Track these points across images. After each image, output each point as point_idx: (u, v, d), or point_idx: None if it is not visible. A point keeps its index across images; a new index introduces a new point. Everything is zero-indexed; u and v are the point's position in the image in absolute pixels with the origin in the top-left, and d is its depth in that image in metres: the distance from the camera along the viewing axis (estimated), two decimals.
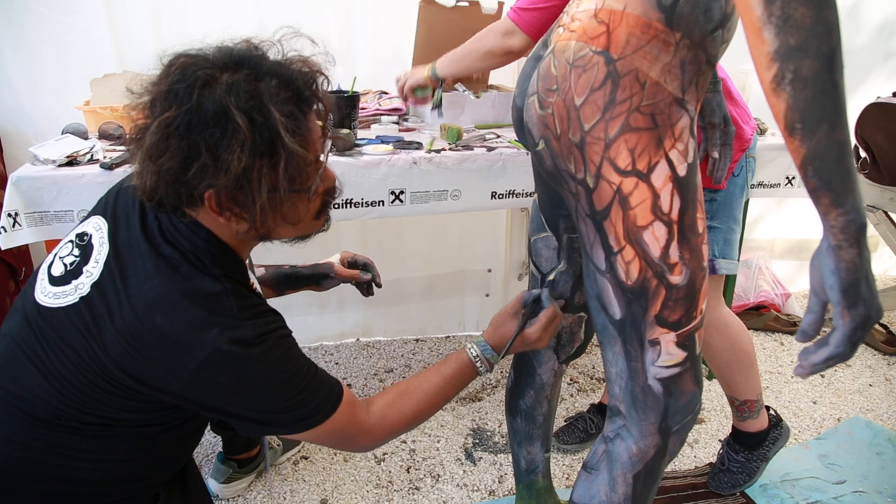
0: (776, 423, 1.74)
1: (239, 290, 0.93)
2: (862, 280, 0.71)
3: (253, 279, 1.08)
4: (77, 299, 0.92)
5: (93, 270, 0.94)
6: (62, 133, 1.71)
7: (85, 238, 0.98)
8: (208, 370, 0.88)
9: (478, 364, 1.17)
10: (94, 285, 0.92)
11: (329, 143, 1.00)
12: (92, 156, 1.58)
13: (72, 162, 1.55)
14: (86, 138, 1.72)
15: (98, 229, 0.98)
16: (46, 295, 0.95)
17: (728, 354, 1.65)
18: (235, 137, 0.84)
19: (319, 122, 0.96)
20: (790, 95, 0.69)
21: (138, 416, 0.95)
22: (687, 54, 0.89)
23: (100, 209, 1.02)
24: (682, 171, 0.92)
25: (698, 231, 0.96)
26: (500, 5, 2.04)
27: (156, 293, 0.89)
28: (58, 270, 0.97)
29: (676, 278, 0.95)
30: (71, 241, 1.00)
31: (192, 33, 2.09)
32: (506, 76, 2.28)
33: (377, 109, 2.09)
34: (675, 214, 0.93)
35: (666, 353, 1.01)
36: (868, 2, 2.68)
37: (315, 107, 0.94)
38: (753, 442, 1.72)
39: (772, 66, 0.69)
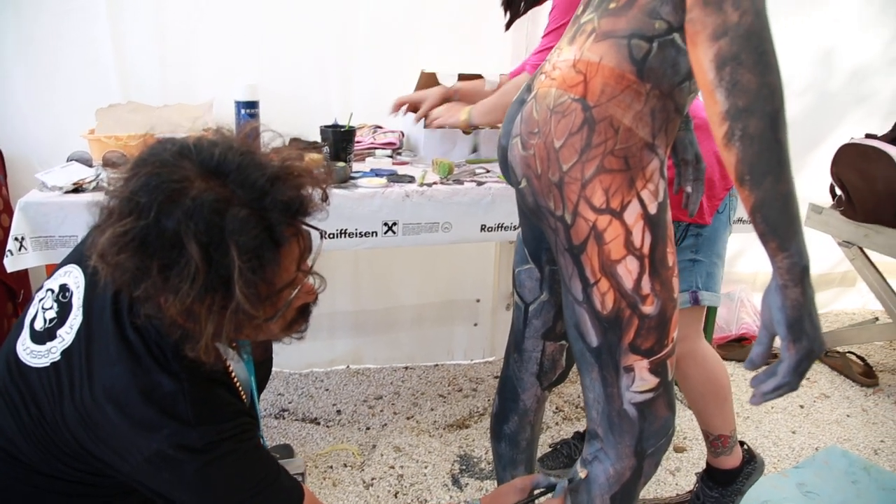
0: (749, 459, 1.77)
1: (199, 392, 0.90)
2: (806, 317, 0.79)
3: (232, 366, 1.04)
4: (48, 363, 0.92)
5: (66, 336, 0.93)
6: (67, 160, 1.77)
7: (67, 295, 0.96)
8: (152, 466, 0.88)
9: None
10: (64, 352, 0.92)
11: (315, 255, 0.93)
12: (97, 183, 1.65)
13: (78, 189, 1.62)
14: (90, 166, 1.79)
15: (77, 286, 0.96)
16: (25, 350, 0.95)
17: (704, 386, 1.71)
18: (187, 269, 0.77)
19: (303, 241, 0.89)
20: (739, 150, 0.77)
21: (99, 480, 0.96)
22: (657, 103, 0.97)
23: (80, 255, 0.99)
24: (652, 209, 1.00)
25: (668, 265, 1.03)
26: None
27: (113, 383, 0.88)
28: (39, 324, 0.96)
29: (648, 308, 1.03)
30: (52, 291, 0.99)
31: (196, 67, 2.19)
32: None
33: (372, 143, 2.18)
34: (646, 249, 1.00)
35: (640, 379, 1.07)
36: (841, 49, 2.81)
37: (295, 235, 0.87)
38: (726, 479, 1.75)
39: (723, 123, 0.78)
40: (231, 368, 1.03)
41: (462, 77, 2.11)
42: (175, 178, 0.79)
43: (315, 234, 0.92)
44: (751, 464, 1.78)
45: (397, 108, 2.07)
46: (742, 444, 1.78)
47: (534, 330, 1.34)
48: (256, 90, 2.04)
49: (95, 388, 0.88)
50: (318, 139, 1.90)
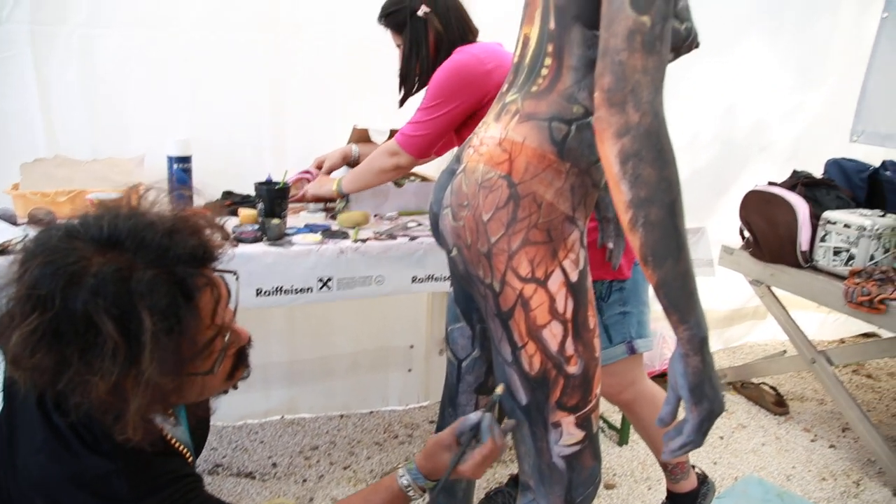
0: (703, 479, 1.93)
1: (134, 466, 0.87)
2: (706, 381, 0.88)
3: (169, 432, 1.02)
4: None
5: None
6: None
7: None
8: None
9: (410, 493, 1.12)
10: None
11: (235, 298, 0.92)
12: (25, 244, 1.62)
13: (3, 251, 1.58)
14: (15, 223, 1.75)
15: None
16: None
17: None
18: (106, 346, 0.75)
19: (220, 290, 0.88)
20: (642, 235, 0.87)
21: None
22: (576, 180, 1.06)
23: None
24: (574, 277, 1.08)
25: (590, 327, 1.11)
26: None
27: (40, 474, 0.84)
28: None
29: (573, 369, 1.10)
30: None
31: (127, 120, 2.17)
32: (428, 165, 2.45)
33: (303, 194, 2.20)
34: (569, 314, 1.08)
35: (567, 434, 1.14)
36: (744, 103, 3.05)
37: (207, 284, 0.85)
38: (688, 501, 1.89)
39: (628, 211, 0.87)
40: (168, 434, 1.01)
41: (356, 130, 2.21)
42: (70, 260, 0.77)
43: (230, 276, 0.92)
44: (705, 484, 1.92)
45: (316, 167, 2.19)
46: (693, 466, 1.92)
47: (467, 385, 1.39)
48: (189, 145, 2.05)
49: (21, 479, 0.85)
50: (253, 194, 1.93)
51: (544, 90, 1.06)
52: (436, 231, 1.22)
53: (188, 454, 1.06)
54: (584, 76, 1.03)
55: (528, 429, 1.16)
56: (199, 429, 1.29)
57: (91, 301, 0.75)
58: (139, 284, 0.77)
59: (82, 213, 0.84)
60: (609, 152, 0.88)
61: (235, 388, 1.03)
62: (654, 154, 0.86)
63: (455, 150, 1.29)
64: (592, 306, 1.12)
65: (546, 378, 1.10)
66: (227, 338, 0.90)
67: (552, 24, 1.05)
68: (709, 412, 0.90)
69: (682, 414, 0.94)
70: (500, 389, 1.14)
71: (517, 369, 1.12)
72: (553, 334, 1.08)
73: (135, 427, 0.81)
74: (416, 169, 2.42)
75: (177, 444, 1.03)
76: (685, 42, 1.07)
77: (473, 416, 1.13)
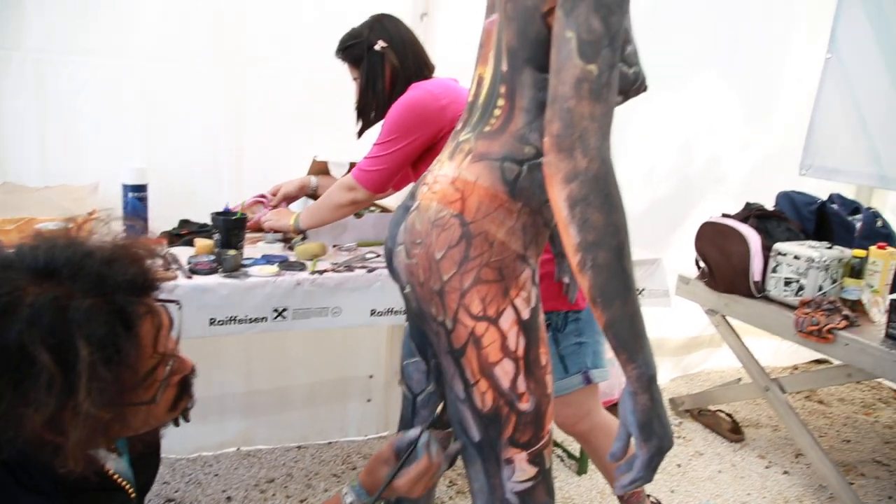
0: None
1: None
2: (655, 419, 0.90)
3: (111, 467, 0.99)
4: None
5: None
6: None
7: None
8: None
9: None
10: None
11: (178, 327, 0.91)
12: None
13: None
14: None
15: None
16: None
17: None
18: (42, 378, 0.73)
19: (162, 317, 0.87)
20: (590, 278, 0.89)
21: None
22: (527, 219, 1.08)
23: None
24: (525, 314, 1.09)
25: (542, 364, 1.12)
26: None
27: None
28: None
29: (525, 405, 1.11)
30: None
31: (80, 147, 2.14)
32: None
33: (258, 220, 2.18)
34: (520, 352, 1.09)
35: (520, 470, 1.14)
36: (699, 138, 3.14)
37: (148, 312, 0.84)
38: None
39: (577, 254, 0.89)
40: (110, 469, 0.99)
41: (315, 162, 2.22)
42: (4, 290, 0.75)
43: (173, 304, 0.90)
44: None
45: (272, 193, 2.20)
46: (649, 496, 1.94)
47: (422, 419, 1.38)
48: (145, 173, 2.03)
49: None
50: (210, 217, 1.91)
51: (497, 130, 1.08)
52: (390, 266, 1.23)
53: (131, 490, 1.03)
54: (535, 117, 1.05)
55: (482, 465, 1.16)
56: (148, 462, 1.26)
57: (26, 331, 0.74)
58: (76, 314, 0.76)
59: (18, 244, 0.82)
60: (558, 197, 0.90)
61: (187, 420, 1.01)
62: (601, 199, 0.88)
63: (411, 185, 1.31)
64: (544, 343, 1.13)
65: (498, 415, 1.10)
66: (169, 366, 0.88)
67: (504, 66, 1.07)
68: (658, 448, 0.92)
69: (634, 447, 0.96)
70: (430, 387, 1.17)
71: (469, 406, 1.12)
72: (505, 372, 1.08)
73: (76, 460, 0.79)
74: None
75: (119, 480, 1.01)
76: (633, 86, 1.10)
77: (412, 432, 1.15)
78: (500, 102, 1.08)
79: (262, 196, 2.21)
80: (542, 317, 1.13)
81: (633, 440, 0.96)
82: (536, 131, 1.05)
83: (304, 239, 2.08)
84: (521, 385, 1.10)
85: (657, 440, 0.92)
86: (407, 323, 1.38)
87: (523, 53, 1.04)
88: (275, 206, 2.19)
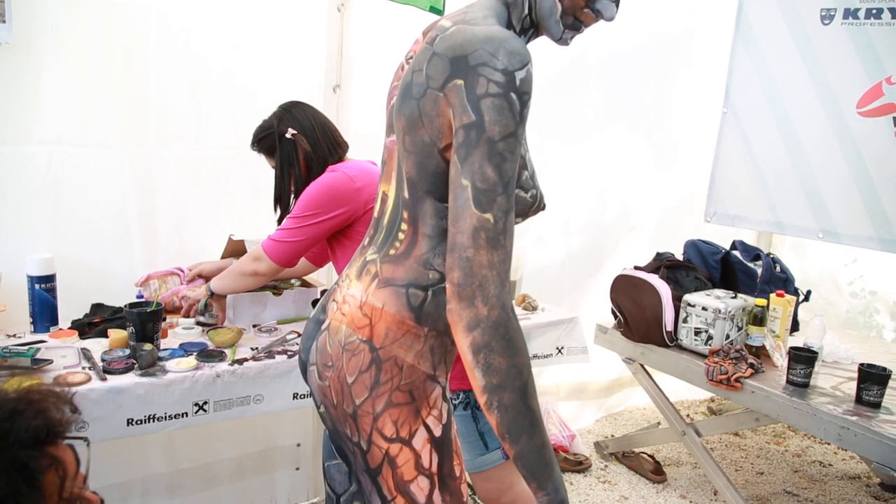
0: None
1: None
2: None
3: None
4: None
5: None
6: None
7: None
8: None
9: None
10: None
11: (86, 465, 0.88)
12: None
13: None
14: None
15: None
16: None
17: None
18: None
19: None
20: (497, 417, 0.94)
21: None
22: (435, 342, 1.12)
23: None
24: (437, 432, 1.13)
25: (455, 475, 1.16)
26: None
27: None
28: None
29: None
30: None
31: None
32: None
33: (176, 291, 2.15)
34: (434, 468, 1.12)
35: None
36: (612, 189, 3.28)
37: (52, 463, 0.81)
38: None
39: (483, 395, 0.94)
40: None
41: (231, 241, 2.23)
42: None
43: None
44: None
45: (189, 269, 2.20)
46: None
47: None
48: (53, 263, 1.97)
49: None
50: (123, 309, 1.87)
51: (401, 255, 1.12)
52: (305, 379, 1.24)
53: None
54: (438, 243, 1.10)
55: None
56: None
57: None
58: None
59: None
60: (462, 343, 0.95)
61: None
62: (503, 344, 0.93)
63: (323, 295, 1.33)
64: (458, 454, 1.17)
65: None
66: None
67: (406, 194, 1.11)
68: None
69: None
70: (353, 488, 1.19)
71: None
72: (420, 488, 1.12)
73: None
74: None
75: None
76: (531, 208, 1.16)
77: None
78: (404, 227, 1.12)
79: (179, 269, 2.19)
80: (454, 430, 1.17)
81: None
82: (440, 256, 1.10)
83: (209, 309, 2.07)
84: (437, 499, 1.13)
85: None
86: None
87: (423, 185, 1.08)
88: (190, 281, 2.17)
